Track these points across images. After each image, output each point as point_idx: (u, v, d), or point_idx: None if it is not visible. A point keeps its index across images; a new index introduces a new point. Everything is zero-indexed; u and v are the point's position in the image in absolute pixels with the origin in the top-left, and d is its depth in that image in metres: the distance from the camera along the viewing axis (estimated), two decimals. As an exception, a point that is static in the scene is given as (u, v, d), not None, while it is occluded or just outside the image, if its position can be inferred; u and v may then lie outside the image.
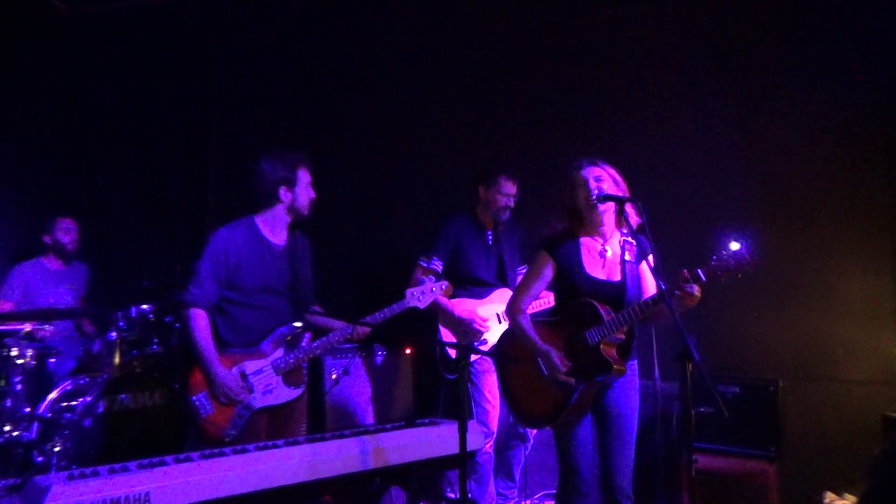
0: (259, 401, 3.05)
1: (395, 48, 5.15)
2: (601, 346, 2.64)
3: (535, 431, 3.88)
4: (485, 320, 3.81)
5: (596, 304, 2.68)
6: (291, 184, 3.16)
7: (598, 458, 2.76)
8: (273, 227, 3.21)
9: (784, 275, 3.97)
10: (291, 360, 3.12)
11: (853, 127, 3.99)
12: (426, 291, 3.24)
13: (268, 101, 5.43)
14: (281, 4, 5.54)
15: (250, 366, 3.06)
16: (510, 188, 3.89)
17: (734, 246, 2.53)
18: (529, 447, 3.88)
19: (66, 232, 4.77)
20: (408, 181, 5.03)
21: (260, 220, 3.21)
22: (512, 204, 3.92)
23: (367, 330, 3.17)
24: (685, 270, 2.54)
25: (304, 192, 3.19)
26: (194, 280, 3.07)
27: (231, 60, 5.64)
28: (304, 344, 3.18)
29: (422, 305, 3.21)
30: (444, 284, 3.30)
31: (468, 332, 3.80)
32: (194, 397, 2.99)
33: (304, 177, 3.20)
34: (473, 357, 3.77)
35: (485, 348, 3.70)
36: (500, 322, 3.85)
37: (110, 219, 5.57)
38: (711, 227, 4.01)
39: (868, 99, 3.96)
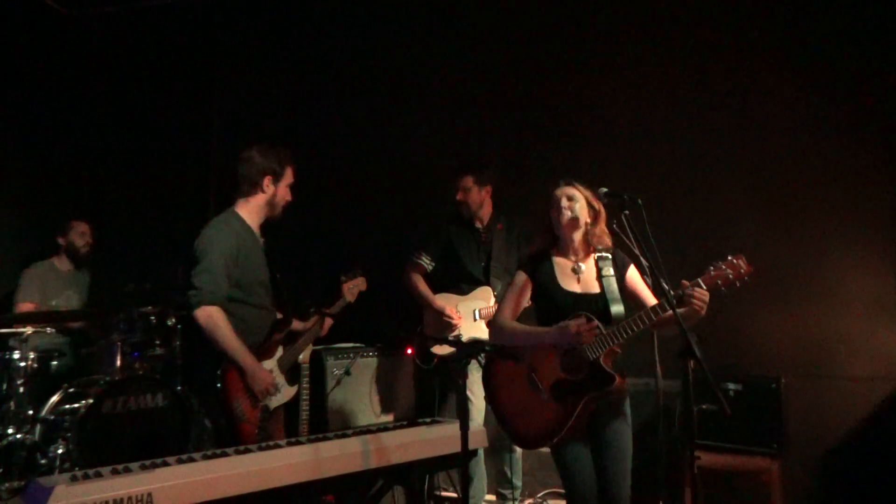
0: (273, 401, 3.04)
1: (391, 48, 5.15)
2: (601, 359, 2.63)
3: None
4: (460, 315, 3.97)
5: (592, 316, 2.65)
6: (278, 176, 3.14)
7: (596, 473, 2.70)
8: (254, 220, 3.15)
9: (786, 271, 3.97)
10: (290, 358, 3.14)
11: (854, 123, 3.99)
12: (353, 286, 3.52)
13: (270, 104, 5.43)
14: (277, 7, 5.55)
15: (265, 365, 3.03)
16: (457, 182, 4.06)
17: (730, 255, 2.57)
18: (518, 450, 3.92)
19: (81, 235, 4.79)
20: (398, 179, 5.02)
21: (242, 212, 3.13)
22: (462, 197, 4.05)
23: (331, 323, 3.41)
24: (684, 282, 2.56)
25: (284, 190, 3.18)
26: (207, 278, 2.88)
27: (232, 63, 5.64)
28: (296, 340, 3.22)
29: (352, 299, 3.52)
30: (361, 280, 3.56)
31: (445, 324, 3.98)
32: (235, 403, 2.89)
33: (289, 175, 3.19)
34: (444, 351, 3.97)
35: (451, 346, 3.89)
36: (475, 319, 3.96)
37: (112, 221, 5.57)
38: (711, 224, 4.07)
39: (868, 94, 3.96)
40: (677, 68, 4.40)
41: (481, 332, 3.91)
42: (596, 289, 2.80)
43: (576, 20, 4.70)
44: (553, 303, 2.78)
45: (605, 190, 2.73)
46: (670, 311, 2.48)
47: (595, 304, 2.75)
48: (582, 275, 2.83)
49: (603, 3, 4.64)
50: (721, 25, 4.32)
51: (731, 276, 2.54)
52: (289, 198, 3.21)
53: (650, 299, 2.79)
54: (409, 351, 4.35)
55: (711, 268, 2.57)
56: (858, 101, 3.98)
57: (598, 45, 4.61)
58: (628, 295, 2.82)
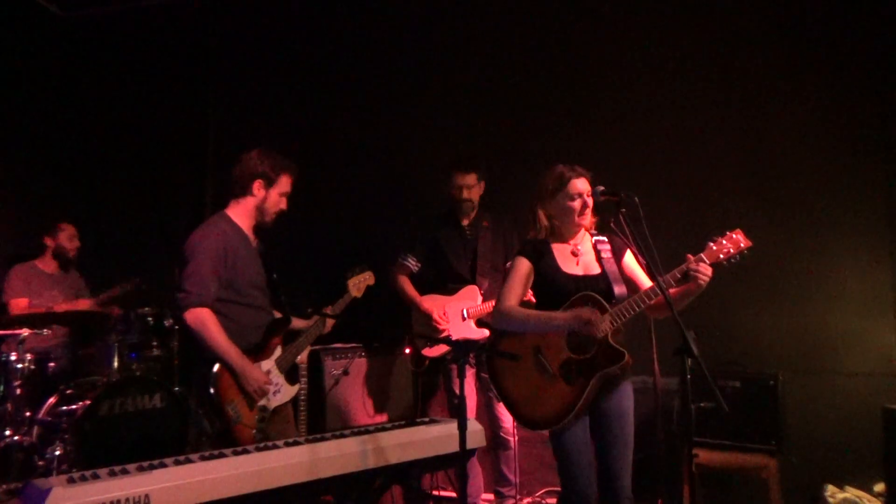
0: (272, 401, 3.03)
1: (385, 49, 5.14)
2: (609, 336, 2.64)
3: (517, 436, 3.92)
4: (447, 316, 3.95)
5: (597, 295, 2.67)
6: (269, 182, 3.08)
7: (597, 461, 2.71)
8: (244, 222, 3.12)
9: (782, 268, 3.98)
10: (290, 357, 3.13)
11: (850, 119, 4.00)
12: (359, 280, 3.47)
13: (265, 105, 5.42)
14: (273, 8, 5.53)
15: (262, 366, 3.01)
16: (460, 180, 3.97)
17: (729, 230, 2.63)
18: (515, 445, 3.92)
19: (69, 238, 4.77)
20: (391, 181, 5.01)
21: (233, 214, 3.10)
22: (467, 195, 3.98)
23: (333, 322, 3.36)
24: (689, 256, 2.61)
25: (276, 198, 3.12)
26: (195, 281, 2.88)
27: (228, 63, 5.63)
28: (296, 339, 3.20)
29: (359, 294, 3.47)
30: (369, 274, 3.51)
31: (433, 327, 3.95)
32: (229, 406, 2.87)
33: (284, 183, 3.12)
34: (440, 352, 3.94)
35: (447, 345, 3.82)
36: (463, 319, 3.94)
37: (108, 222, 5.57)
38: (709, 220, 4.07)
39: (864, 91, 3.97)
40: (674, 65, 4.39)
41: (470, 331, 3.91)
42: (597, 270, 2.82)
43: (568, 15, 4.69)
44: (556, 287, 2.77)
45: (601, 188, 2.72)
46: (669, 291, 2.56)
47: (598, 285, 2.76)
48: (582, 257, 2.84)
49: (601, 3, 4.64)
50: (718, 22, 4.31)
51: (731, 251, 2.61)
52: (283, 206, 3.16)
53: (647, 283, 2.81)
54: (408, 351, 4.36)
55: (711, 243, 2.63)
56: (855, 98, 3.99)
57: (592, 40, 4.61)
58: (625, 279, 2.84)
